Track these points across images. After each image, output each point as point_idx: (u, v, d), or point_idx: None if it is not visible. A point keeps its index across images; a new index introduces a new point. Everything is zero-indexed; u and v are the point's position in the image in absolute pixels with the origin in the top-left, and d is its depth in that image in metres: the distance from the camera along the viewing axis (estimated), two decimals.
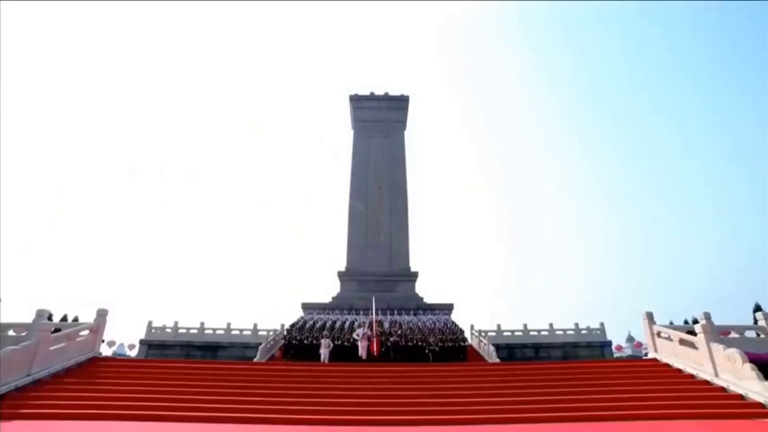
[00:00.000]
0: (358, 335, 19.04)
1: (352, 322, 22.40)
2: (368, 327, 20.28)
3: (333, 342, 20.74)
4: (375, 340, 18.31)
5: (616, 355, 39.80)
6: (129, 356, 48.92)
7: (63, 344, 12.52)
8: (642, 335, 16.24)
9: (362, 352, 18.44)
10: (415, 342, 19.96)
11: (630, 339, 53.39)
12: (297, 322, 22.50)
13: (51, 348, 12.02)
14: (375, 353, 17.92)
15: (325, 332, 22.06)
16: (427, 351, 19.14)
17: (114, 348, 48.13)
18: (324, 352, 18.68)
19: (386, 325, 22.17)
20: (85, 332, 13.59)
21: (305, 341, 20.63)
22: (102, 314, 14.41)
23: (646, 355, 16.83)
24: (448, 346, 19.79)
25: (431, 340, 19.71)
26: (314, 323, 22.29)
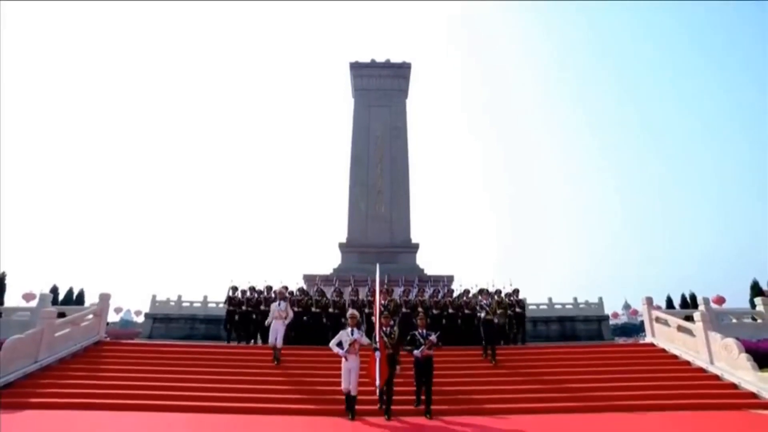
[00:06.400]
0: (347, 340, 8.86)
1: (350, 301, 15.17)
2: (361, 316, 11.51)
3: (300, 306, 14.41)
4: (379, 355, 8.62)
5: (613, 322, 40.96)
6: (135, 322, 50.39)
7: (68, 330, 12.70)
8: (638, 303, 16.40)
9: (349, 383, 8.66)
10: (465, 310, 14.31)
11: (626, 306, 54.67)
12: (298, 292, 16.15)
13: (56, 334, 12.21)
14: (380, 383, 8.52)
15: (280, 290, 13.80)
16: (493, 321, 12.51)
17: (121, 314, 49.65)
18: (275, 329, 12.01)
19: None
20: (90, 316, 13.76)
21: (252, 313, 14.87)
22: (104, 298, 14.56)
23: (641, 324, 17.05)
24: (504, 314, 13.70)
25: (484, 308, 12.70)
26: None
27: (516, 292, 15.88)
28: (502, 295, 15.55)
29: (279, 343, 12.12)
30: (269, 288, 15.61)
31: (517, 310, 15.25)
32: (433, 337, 9.44)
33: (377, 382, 8.58)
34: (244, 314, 15.12)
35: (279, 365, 11.96)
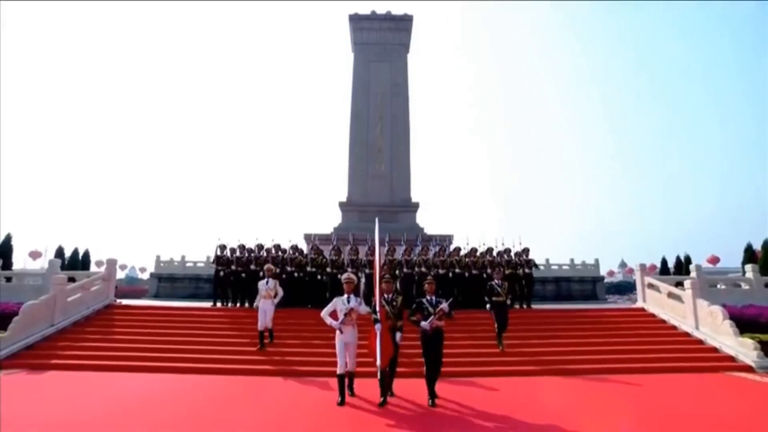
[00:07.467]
0: (342, 309, 7.48)
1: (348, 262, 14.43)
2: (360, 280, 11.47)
3: (293, 265, 14.10)
4: (380, 328, 7.04)
5: (608, 280, 41.89)
6: (140, 279, 51.73)
7: (79, 294, 13.22)
8: (634, 263, 16.76)
9: (345, 360, 7.40)
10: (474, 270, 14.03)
11: (623, 265, 55.44)
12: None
13: (69, 299, 12.74)
14: (382, 363, 6.89)
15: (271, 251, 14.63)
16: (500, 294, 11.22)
17: (126, 271, 50.84)
18: (264, 309, 10.77)
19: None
20: (99, 281, 14.26)
21: (242, 273, 14.16)
22: (111, 263, 15.08)
23: (635, 282, 17.46)
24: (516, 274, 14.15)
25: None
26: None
27: (526, 251, 15.14)
28: (512, 254, 15.01)
29: (269, 324, 10.91)
30: (260, 246, 14.85)
31: (526, 270, 14.62)
32: (444, 305, 7.55)
33: (378, 362, 6.93)
34: (234, 274, 14.33)
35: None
